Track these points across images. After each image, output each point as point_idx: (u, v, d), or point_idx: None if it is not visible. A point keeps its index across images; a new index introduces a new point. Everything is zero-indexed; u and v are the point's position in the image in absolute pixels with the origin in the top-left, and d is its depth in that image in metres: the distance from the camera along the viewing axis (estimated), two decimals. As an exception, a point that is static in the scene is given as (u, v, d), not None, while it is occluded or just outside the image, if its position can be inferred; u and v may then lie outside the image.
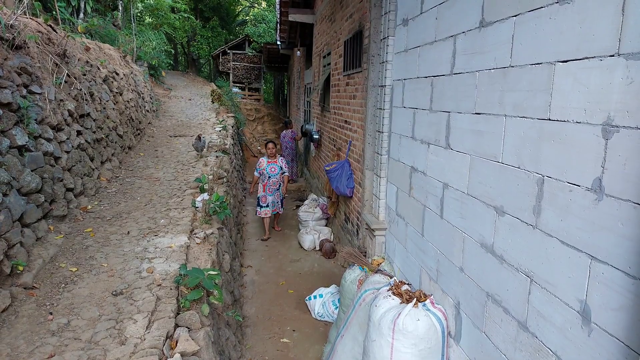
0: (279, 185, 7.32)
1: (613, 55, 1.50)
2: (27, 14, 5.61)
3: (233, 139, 11.04)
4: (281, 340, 4.38)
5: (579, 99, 1.66)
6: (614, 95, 1.50)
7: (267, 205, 7.26)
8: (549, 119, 1.83)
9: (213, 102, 14.75)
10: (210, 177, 6.25)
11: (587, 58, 1.62)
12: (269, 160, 7.23)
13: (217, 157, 7.83)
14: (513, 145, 2.10)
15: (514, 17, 2.09)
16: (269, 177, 7.18)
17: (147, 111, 10.80)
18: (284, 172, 7.34)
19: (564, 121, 1.74)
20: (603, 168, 1.55)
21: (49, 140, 4.62)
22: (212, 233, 4.46)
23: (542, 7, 1.88)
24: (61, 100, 5.33)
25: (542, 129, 1.88)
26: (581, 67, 1.65)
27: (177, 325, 2.88)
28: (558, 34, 1.78)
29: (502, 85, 2.18)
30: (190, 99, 16.00)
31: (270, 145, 7.26)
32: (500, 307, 2.22)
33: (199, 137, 7.89)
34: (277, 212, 7.52)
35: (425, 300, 2.94)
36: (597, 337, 1.58)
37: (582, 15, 1.65)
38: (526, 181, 2.00)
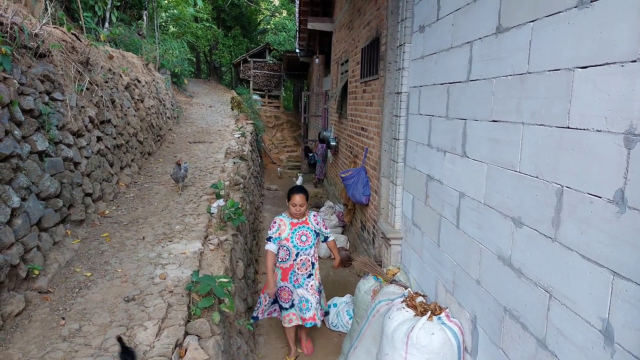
0: (313, 266, 3.93)
1: (635, 61, 1.42)
2: (52, 24, 5.76)
3: (252, 145, 11.11)
4: (294, 349, 4.33)
5: (599, 106, 1.58)
6: (636, 102, 1.42)
7: (292, 306, 3.96)
8: (568, 127, 1.75)
9: (233, 109, 14.93)
10: (227, 183, 6.27)
11: (607, 64, 1.54)
12: (295, 221, 3.87)
13: (234, 163, 7.87)
14: (531, 154, 2.02)
15: (531, 23, 2.02)
16: (297, 252, 3.82)
17: (168, 118, 10.96)
18: (327, 237, 4.10)
19: (584, 129, 1.66)
20: (625, 179, 1.46)
21: (69, 146, 4.71)
22: (226, 239, 4.45)
23: (560, 12, 1.81)
24: (82, 106, 5.43)
25: (561, 137, 1.80)
26: (601, 74, 1.57)
27: (187, 333, 2.86)
28: (577, 40, 1.70)
29: (520, 92, 2.11)
30: (211, 106, 16.21)
31: (298, 198, 3.80)
32: (519, 322, 2.13)
33: (178, 164, 6.02)
34: (313, 323, 3.93)
35: (440, 313, 2.86)
36: (620, 358, 1.48)
37: (602, 20, 1.57)
38: (544, 192, 1.91)
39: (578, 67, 1.70)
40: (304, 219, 3.91)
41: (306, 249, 3.86)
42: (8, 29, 4.18)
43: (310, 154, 11.04)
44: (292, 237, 3.83)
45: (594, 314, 1.61)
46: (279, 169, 13.96)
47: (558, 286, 1.82)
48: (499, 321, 2.31)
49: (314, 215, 3.99)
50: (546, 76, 1.90)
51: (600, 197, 1.58)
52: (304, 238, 3.86)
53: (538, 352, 1.96)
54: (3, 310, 2.90)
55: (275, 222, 3.89)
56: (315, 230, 3.92)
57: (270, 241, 3.81)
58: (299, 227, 3.87)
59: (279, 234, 3.83)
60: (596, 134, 1.60)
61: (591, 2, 1.63)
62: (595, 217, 1.60)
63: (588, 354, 1.64)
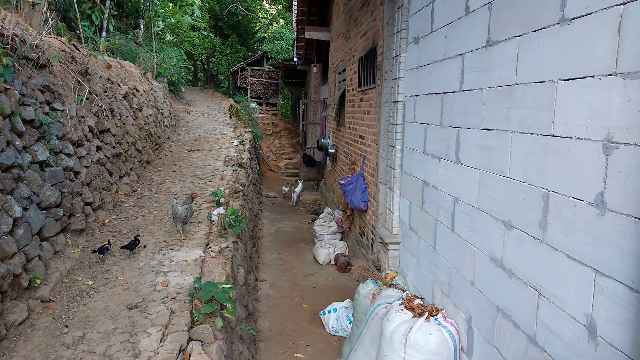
0: None
1: (611, 75, 1.53)
2: (52, 34, 5.85)
3: (250, 153, 11.19)
4: (295, 355, 4.38)
5: (580, 116, 1.69)
6: (613, 112, 1.53)
7: None
8: (553, 135, 1.86)
9: (231, 117, 15.00)
10: (227, 191, 6.35)
11: (587, 77, 1.66)
12: None
13: (233, 171, 7.95)
14: (519, 161, 2.12)
15: (519, 37, 2.13)
16: None
17: (166, 126, 11.04)
18: None
19: (567, 137, 1.77)
20: (605, 183, 1.56)
21: (69, 155, 4.77)
22: (227, 247, 4.52)
23: (544, 28, 1.93)
24: (82, 116, 5.51)
25: (547, 144, 1.90)
26: (582, 86, 1.68)
27: (190, 339, 2.92)
28: (560, 54, 1.82)
29: (508, 102, 2.22)
30: (208, 114, 16.29)
31: None
32: (510, 321, 2.22)
33: (192, 198, 4.88)
34: None
35: (437, 314, 2.94)
36: (603, 351, 1.58)
37: (582, 36, 1.69)
38: (532, 196, 2.01)
39: (561, 79, 1.81)
40: None
41: None
42: (9, 40, 4.26)
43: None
44: None
45: (579, 311, 1.71)
46: (284, 188, 12.05)
47: (546, 285, 1.92)
48: (492, 320, 2.39)
49: None
50: (532, 87, 2.01)
51: (583, 201, 1.68)
52: None
53: (529, 348, 2.05)
54: (6, 320, 2.94)
55: None
56: None
57: None
58: None
59: None
60: (578, 142, 1.70)
61: (572, 19, 1.74)
62: (579, 219, 1.70)
63: (574, 348, 1.73)
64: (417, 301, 3.19)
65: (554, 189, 1.85)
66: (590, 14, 1.64)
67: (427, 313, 2.93)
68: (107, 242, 4.21)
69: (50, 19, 5.76)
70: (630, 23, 1.45)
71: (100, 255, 4.12)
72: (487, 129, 2.45)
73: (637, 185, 1.42)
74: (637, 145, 1.42)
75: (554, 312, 1.86)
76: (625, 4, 1.48)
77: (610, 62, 1.53)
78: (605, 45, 1.56)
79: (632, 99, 1.44)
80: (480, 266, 2.55)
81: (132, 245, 4.23)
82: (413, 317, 2.98)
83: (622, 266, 1.49)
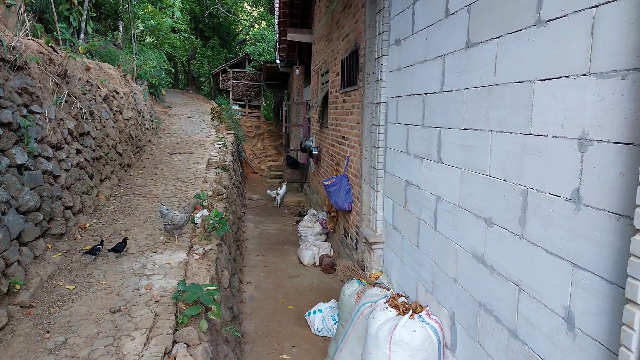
0: None
1: (585, 75, 1.60)
2: (29, 36, 5.74)
3: (233, 155, 11.13)
4: (280, 356, 4.38)
5: (556, 115, 1.75)
6: (587, 111, 1.59)
7: None
8: (531, 134, 1.92)
9: (213, 120, 14.90)
10: (210, 193, 6.32)
11: (562, 77, 1.72)
12: None
13: (216, 173, 7.91)
14: (499, 159, 2.18)
15: (497, 39, 2.19)
16: None
17: (147, 129, 10.91)
18: None
19: (544, 136, 1.83)
20: (580, 179, 1.62)
21: (48, 159, 4.68)
22: (211, 249, 4.50)
23: (521, 30, 1.99)
24: (61, 119, 5.42)
25: (525, 143, 1.96)
26: (557, 85, 1.74)
27: (175, 342, 2.90)
28: (536, 55, 1.88)
29: (488, 102, 2.27)
30: (190, 117, 16.13)
31: None
32: (492, 316, 2.27)
33: (193, 208, 4.89)
34: None
35: (421, 311, 2.99)
36: (580, 342, 1.63)
37: (557, 37, 1.75)
38: (512, 193, 2.07)
39: (538, 80, 1.87)
40: None
41: None
42: (-14, 43, 4.18)
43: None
44: None
45: (557, 303, 1.76)
46: (269, 191, 11.58)
47: (526, 279, 1.97)
48: (475, 316, 2.44)
49: None
50: (510, 88, 2.07)
51: (560, 197, 1.74)
52: None
53: (510, 342, 2.10)
54: (-14, 326, 2.89)
55: None
56: None
57: None
58: None
59: None
60: (554, 140, 1.76)
61: (547, 21, 1.81)
62: (556, 214, 1.76)
63: (553, 340, 1.79)
64: (402, 299, 3.23)
65: (533, 186, 1.91)
66: (565, 16, 1.70)
67: (411, 310, 2.97)
68: (99, 243, 4.20)
69: (27, 20, 5.64)
70: (603, 25, 1.52)
71: (92, 256, 4.11)
72: (468, 129, 2.50)
73: (610, 181, 1.48)
74: (611, 142, 1.49)
75: (533, 306, 1.92)
76: (597, 6, 1.54)
77: (584, 62, 1.60)
78: (579, 46, 1.62)
79: (605, 98, 1.50)
80: (462, 263, 2.61)
81: (120, 248, 4.19)
82: (397, 314, 3.01)
83: (598, 259, 1.54)
